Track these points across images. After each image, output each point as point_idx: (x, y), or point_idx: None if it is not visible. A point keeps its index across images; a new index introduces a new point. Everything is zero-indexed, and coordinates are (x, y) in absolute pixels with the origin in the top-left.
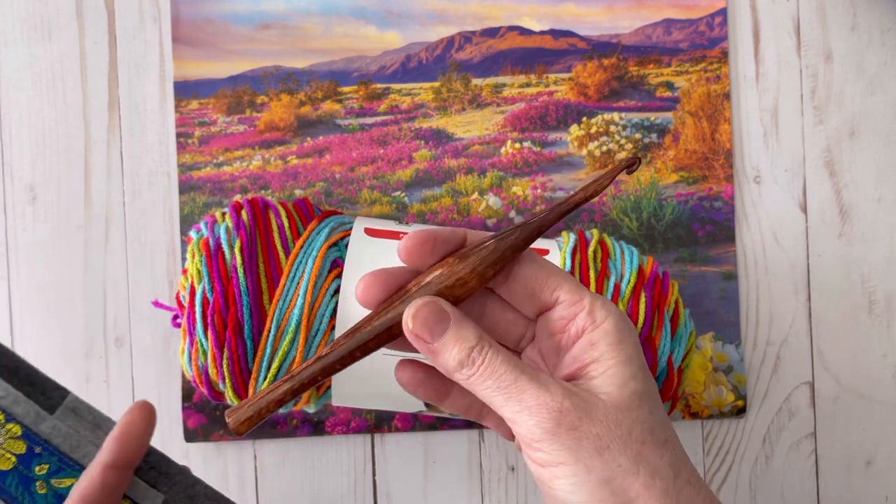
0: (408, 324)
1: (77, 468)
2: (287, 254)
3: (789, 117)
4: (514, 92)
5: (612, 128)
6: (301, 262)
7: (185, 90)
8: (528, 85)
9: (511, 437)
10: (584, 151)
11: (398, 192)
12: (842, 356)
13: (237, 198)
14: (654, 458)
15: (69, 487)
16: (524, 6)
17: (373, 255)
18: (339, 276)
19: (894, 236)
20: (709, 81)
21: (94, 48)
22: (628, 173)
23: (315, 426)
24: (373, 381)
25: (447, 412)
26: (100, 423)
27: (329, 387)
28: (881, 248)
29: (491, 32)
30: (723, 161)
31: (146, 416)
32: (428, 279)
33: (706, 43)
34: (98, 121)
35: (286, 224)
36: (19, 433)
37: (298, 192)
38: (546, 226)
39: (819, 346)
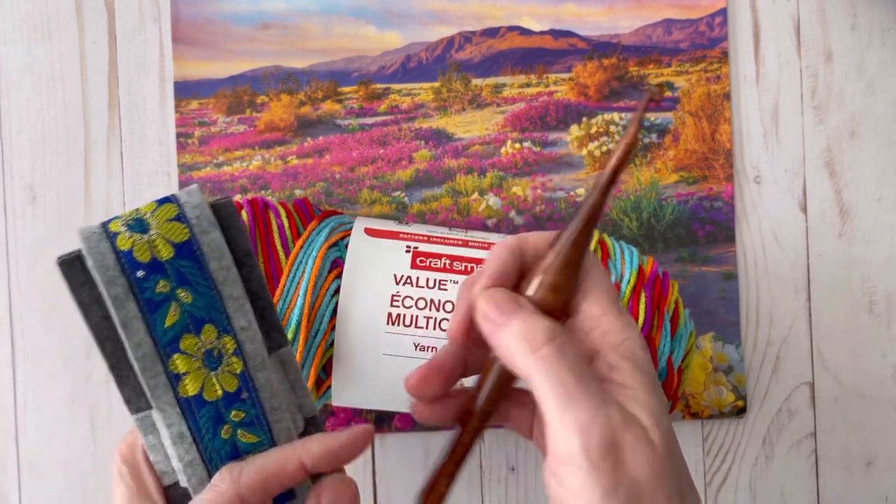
0: (481, 305)
1: (265, 429)
2: (287, 254)
3: (789, 117)
4: (514, 92)
5: (613, 128)
6: (301, 262)
7: (185, 90)
8: (528, 85)
9: (530, 435)
10: (584, 151)
11: (398, 192)
12: (842, 356)
13: (237, 198)
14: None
15: (249, 444)
16: (524, 6)
17: (373, 255)
18: (340, 276)
19: (894, 236)
20: (709, 81)
21: (94, 48)
22: (657, 105)
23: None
24: (373, 381)
25: None
26: (295, 387)
27: (329, 387)
28: (881, 248)
29: (491, 32)
30: (723, 161)
31: (361, 446)
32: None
33: (706, 43)
34: (98, 121)
35: (286, 224)
36: (238, 371)
37: (298, 193)
38: (596, 214)
39: (819, 346)
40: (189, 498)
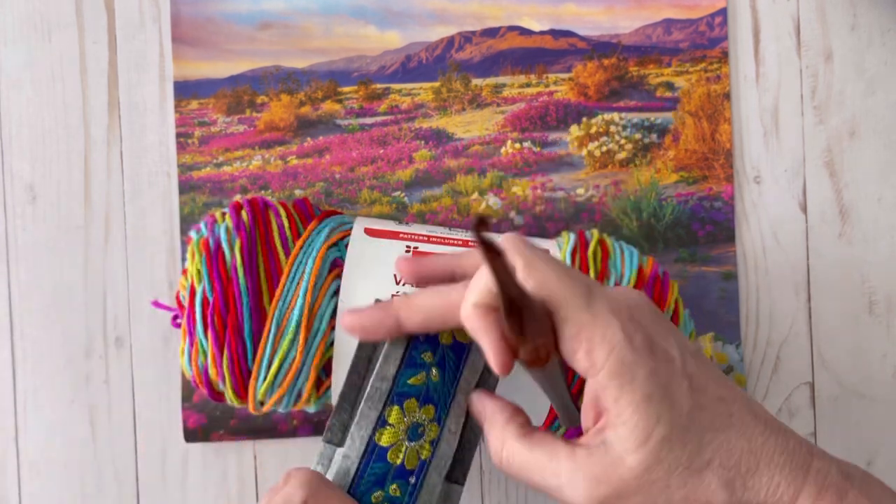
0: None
1: None
2: (287, 254)
3: (789, 117)
4: (514, 92)
5: (612, 128)
6: (301, 262)
7: (184, 90)
8: (528, 85)
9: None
10: (584, 151)
11: (398, 192)
12: (842, 356)
13: (237, 198)
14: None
15: None
16: (524, 6)
17: (373, 255)
18: (339, 276)
19: (894, 236)
20: (709, 81)
21: (94, 48)
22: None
23: (315, 426)
24: None
25: None
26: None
27: (329, 387)
28: (881, 248)
29: (491, 32)
30: (723, 161)
31: None
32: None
33: (706, 43)
34: (98, 121)
35: (286, 224)
36: (424, 457)
37: (298, 192)
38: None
39: (819, 346)
40: None
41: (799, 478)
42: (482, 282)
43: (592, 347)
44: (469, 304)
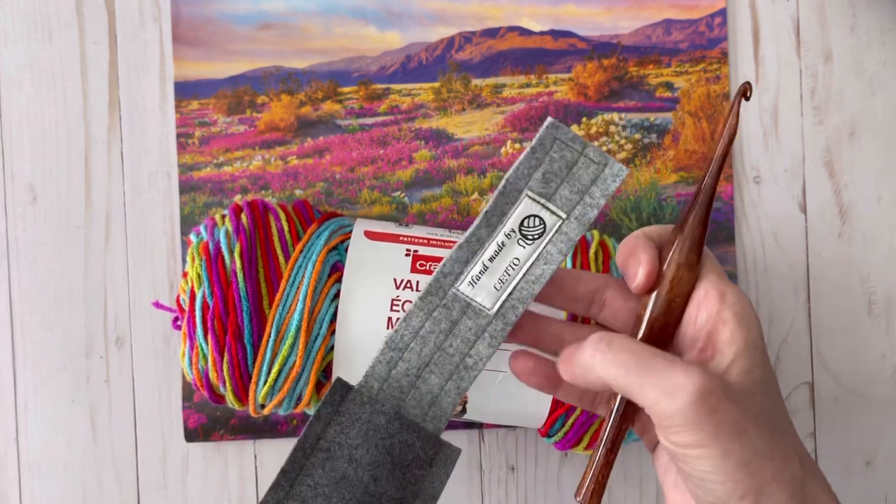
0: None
1: None
2: (287, 258)
3: (789, 117)
4: (514, 92)
5: (612, 128)
6: (301, 266)
7: (185, 90)
8: (527, 85)
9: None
10: None
11: (398, 193)
12: (842, 356)
13: (237, 199)
14: (782, 444)
15: None
16: (524, 6)
17: (373, 258)
18: (339, 280)
19: (894, 236)
20: (708, 82)
21: (94, 48)
22: (747, 100)
23: None
24: None
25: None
26: None
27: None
28: (881, 248)
29: (491, 33)
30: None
31: None
32: (651, 299)
33: (706, 43)
34: (98, 121)
35: (286, 227)
36: None
37: (299, 193)
38: (713, 191)
39: (819, 346)
40: None
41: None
42: (652, 227)
43: (725, 291)
44: (638, 232)
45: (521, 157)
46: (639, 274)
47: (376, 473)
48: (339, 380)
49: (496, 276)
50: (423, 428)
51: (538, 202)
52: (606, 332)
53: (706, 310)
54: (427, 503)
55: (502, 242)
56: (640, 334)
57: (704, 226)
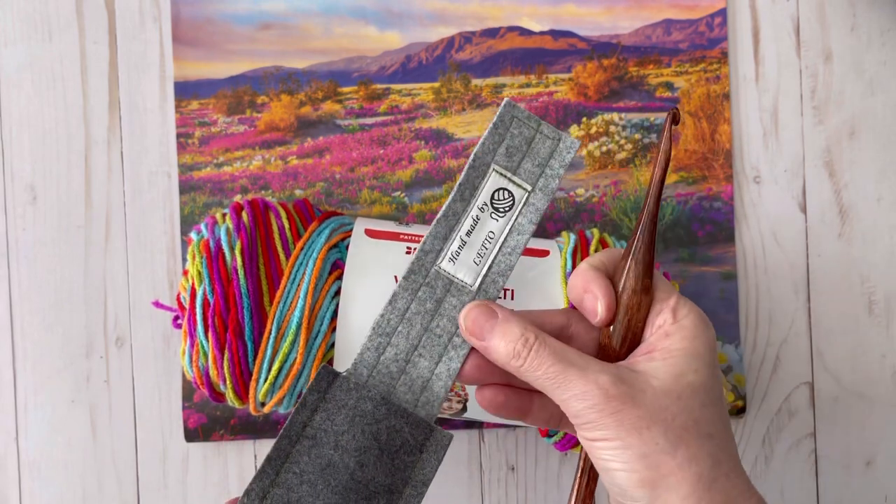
0: (462, 325)
1: None
2: (287, 255)
3: (789, 117)
4: (514, 92)
5: (612, 128)
6: (301, 263)
7: (185, 90)
8: (528, 85)
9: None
10: (584, 152)
11: (398, 193)
12: (841, 356)
13: (237, 198)
14: (694, 445)
15: None
16: (524, 6)
17: (373, 256)
18: (340, 277)
19: (894, 236)
20: (708, 82)
21: (94, 48)
22: (675, 124)
23: None
24: None
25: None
26: None
27: None
28: (881, 248)
29: (491, 33)
30: (722, 161)
31: None
32: (612, 329)
33: (706, 43)
34: (98, 121)
35: (286, 225)
36: None
37: (299, 193)
38: (656, 216)
39: (819, 346)
40: None
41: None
42: (596, 256)
43: (678, 308)
44: (585, 265)
45: (486, 132)
46: (599, 309)
47: (363, 460)
48: (325, 367)
49: (474, 250)
50: (413, 413)
51: (505, 176)
52: (531, 333)
53: (658, 323)
54: (418, 489)
55: (476, 216)
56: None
57: (652, 249)
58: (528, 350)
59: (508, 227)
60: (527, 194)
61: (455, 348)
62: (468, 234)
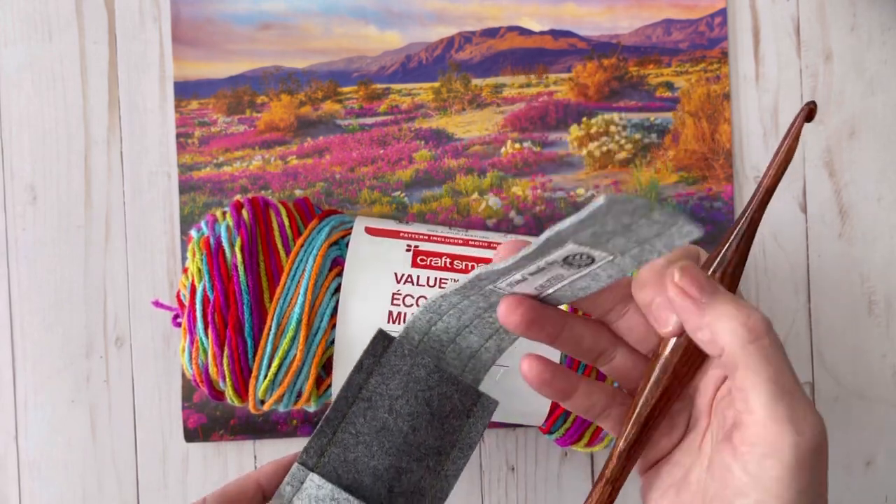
0: (673, 279)
1: None
2: (287, 252)
3: (789, 117)
4: (514, 92)
5: (612, 128)
6: (301, 260)
7: (184, 90)
8: (528, 85)
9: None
10: (584, 152)
11: (398, 192)
12: (842, 356)
13: (237, 197)
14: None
15: None
16: (524, 6)
17: (373, 253)
18: (340, 274)
19: (894, 236)
20: (709, 81)
21: (94, 48)
22: (808, 121)
23: (315, 426)
24: None
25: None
26: None
27: (329, 385)
28: (881, 248)
29: (491, 32)
30: (723, 161)
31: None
32: (673, 341)
33: (706, 43)
34: (98, 121)
35: (287, 223)
36: None
37: (298, 193)
38: (756, 224)
39: (819, 346)
40: None
41: None
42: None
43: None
44: (661, 264)
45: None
46: (671, 321)
47: (415, 424)
48: (381, 331)
49: (537, 282)
50: (462, 380)
51: (585, 246)
52: (679, 259)
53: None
54: (464, 452)
55: (543, 266)
56: (654, 377)
57: (743, 263)
58: (772, 336)
59: (581, 273)
60: (612, 257)
61: (507, 333)
62: (532, 274)
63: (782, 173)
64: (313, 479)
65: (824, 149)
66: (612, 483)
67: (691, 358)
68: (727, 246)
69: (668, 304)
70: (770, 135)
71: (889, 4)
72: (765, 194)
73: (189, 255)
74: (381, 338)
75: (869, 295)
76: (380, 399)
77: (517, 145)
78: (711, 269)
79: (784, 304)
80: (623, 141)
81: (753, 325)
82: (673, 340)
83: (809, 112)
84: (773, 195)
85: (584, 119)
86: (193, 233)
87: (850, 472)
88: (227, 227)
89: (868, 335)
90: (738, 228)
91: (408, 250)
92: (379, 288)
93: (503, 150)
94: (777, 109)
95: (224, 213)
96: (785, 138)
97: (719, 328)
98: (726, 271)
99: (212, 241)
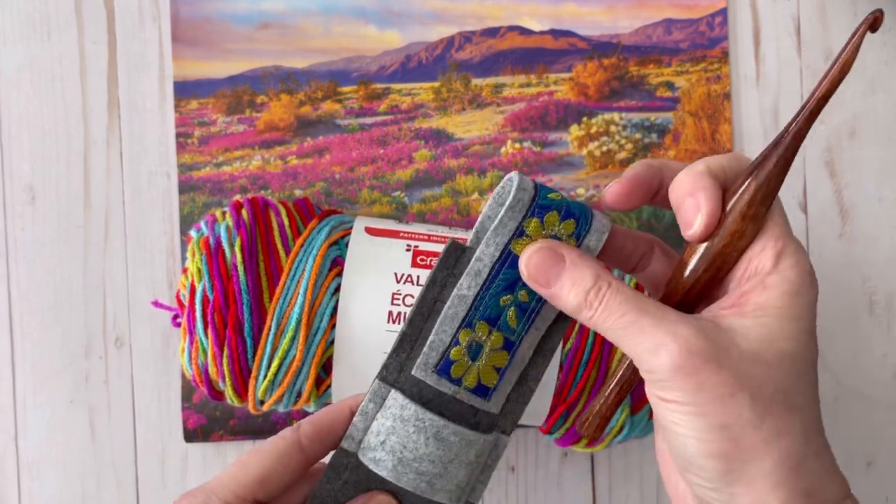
0: (523, 271)
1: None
2: (287, 252)
3: (789, 117)
4: (514, 92)
5: (613, 128)
6: (301, 260)
7: (184, 90)
8: (528, 85)
9: None
10: (585, 151)
11: (398, 192)
12: (842, 356)
13: (237, 198)
14: (784, 418)
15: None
16: (524, 6)
17: (373, 253)
18: (340, 274)
19: (894, 236)
20: (709, 81)
21: (94, 48)
22: (872, 31)
23: None
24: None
25: None
26: (484, 469)
27: (329, 385)
28: (882, 248)
29: (491, 32)
30: None
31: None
32: (701, 248)
33: (706, 43)
34: (98, 121)
35: (286, 223)
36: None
37: (298, 193)
38: (801, 136)
39: (819, 346)
40: (348, 468)
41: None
42: (718, 160)
43: (784, 252)
44: (701, 167)
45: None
46: (696, 222)
47: None
48: (453, 241)
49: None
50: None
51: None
52: (604, 280)
53: (755, 266)
54: (546, 357)
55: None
56: (682, 284)
57: (783, 174)
58: (599, 299)
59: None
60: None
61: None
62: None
63: (836, 86)
64: (396, 398)
65: (825, 148)
66: (622, 384)
67: (714, 273)
68: (768, 155)
69: (697, 206)
70: (771, 134)
71: (890, 4)
72: (816, 105)
73: (189, 255)
74: (454, 249)
75: (870, 295)
76: None
77: (517, 145)
78: (749, 180)
79: None
80: (623, 141)
81: (583, 298)
82: (702, 246)
83: (874, 21)
84: (822, 108)
85: (585, 119)
86: (193, 233)
87: (850, 472)
88: (227, 227)
89: (869, 335)
90: (789, 134)
91: (408, 250)
92: (379, 288)
93: (503, 149)
94: (777, 109)
95: (224, 213)
96: (844, 49)
97: (562, 304)
98: (759, 179)
99: (211, 241)
